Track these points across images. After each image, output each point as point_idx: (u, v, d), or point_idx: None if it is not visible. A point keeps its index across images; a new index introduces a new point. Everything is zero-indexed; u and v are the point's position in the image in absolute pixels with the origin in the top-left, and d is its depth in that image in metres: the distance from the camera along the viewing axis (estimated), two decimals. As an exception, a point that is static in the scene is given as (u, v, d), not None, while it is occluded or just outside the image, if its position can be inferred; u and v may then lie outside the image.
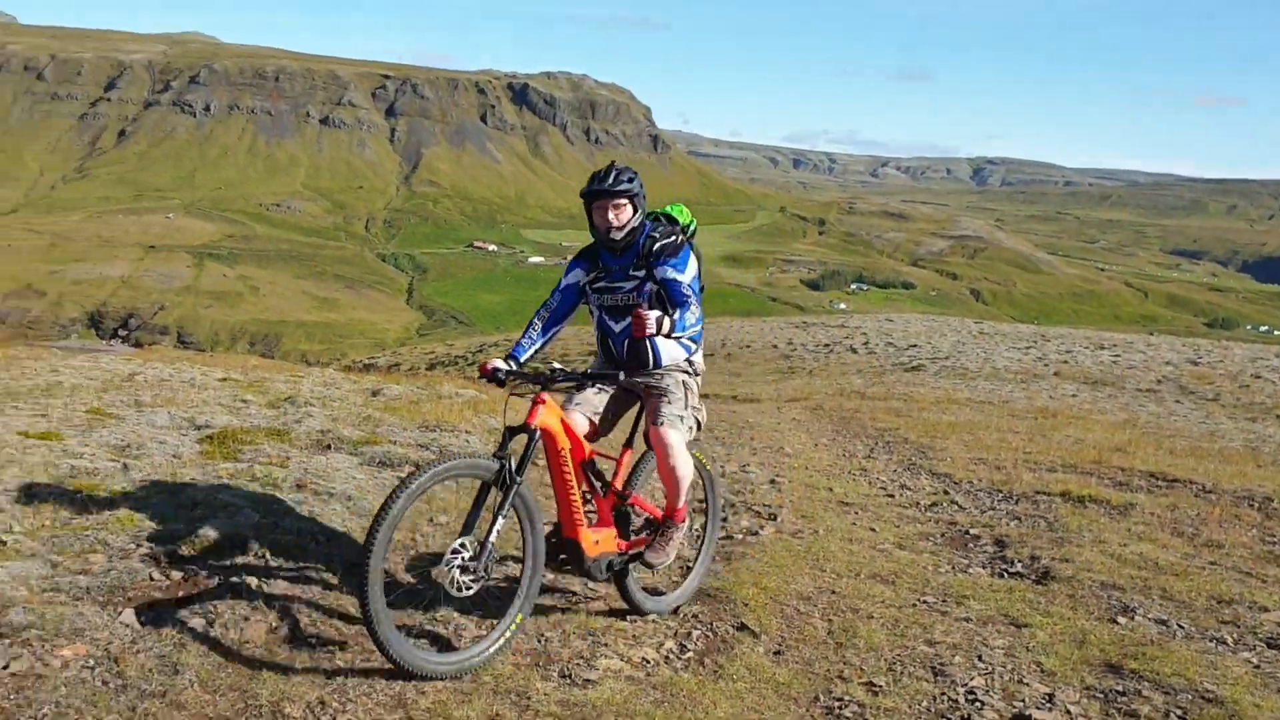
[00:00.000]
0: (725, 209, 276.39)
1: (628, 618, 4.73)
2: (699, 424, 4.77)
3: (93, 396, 7.97)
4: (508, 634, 4.16)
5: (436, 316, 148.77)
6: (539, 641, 4.37)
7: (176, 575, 4.34)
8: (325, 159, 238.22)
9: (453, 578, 3.94)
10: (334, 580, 4.62)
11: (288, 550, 4.82)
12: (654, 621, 4.73)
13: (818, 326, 35.14)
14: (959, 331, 31.96)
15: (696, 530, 5.62)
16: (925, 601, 5.27)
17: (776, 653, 4.50)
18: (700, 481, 5.15)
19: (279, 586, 4.41)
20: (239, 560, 4.63)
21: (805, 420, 12.97)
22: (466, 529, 4.02)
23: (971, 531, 6.78)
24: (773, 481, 8.20)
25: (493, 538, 4.00)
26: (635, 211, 4.56)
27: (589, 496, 4.65)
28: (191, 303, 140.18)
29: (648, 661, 4.27)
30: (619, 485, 4.76)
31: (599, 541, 4.55)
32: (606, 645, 4.38)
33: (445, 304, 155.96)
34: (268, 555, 4.70)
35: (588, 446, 4.59)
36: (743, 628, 4.73)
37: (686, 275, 4.55)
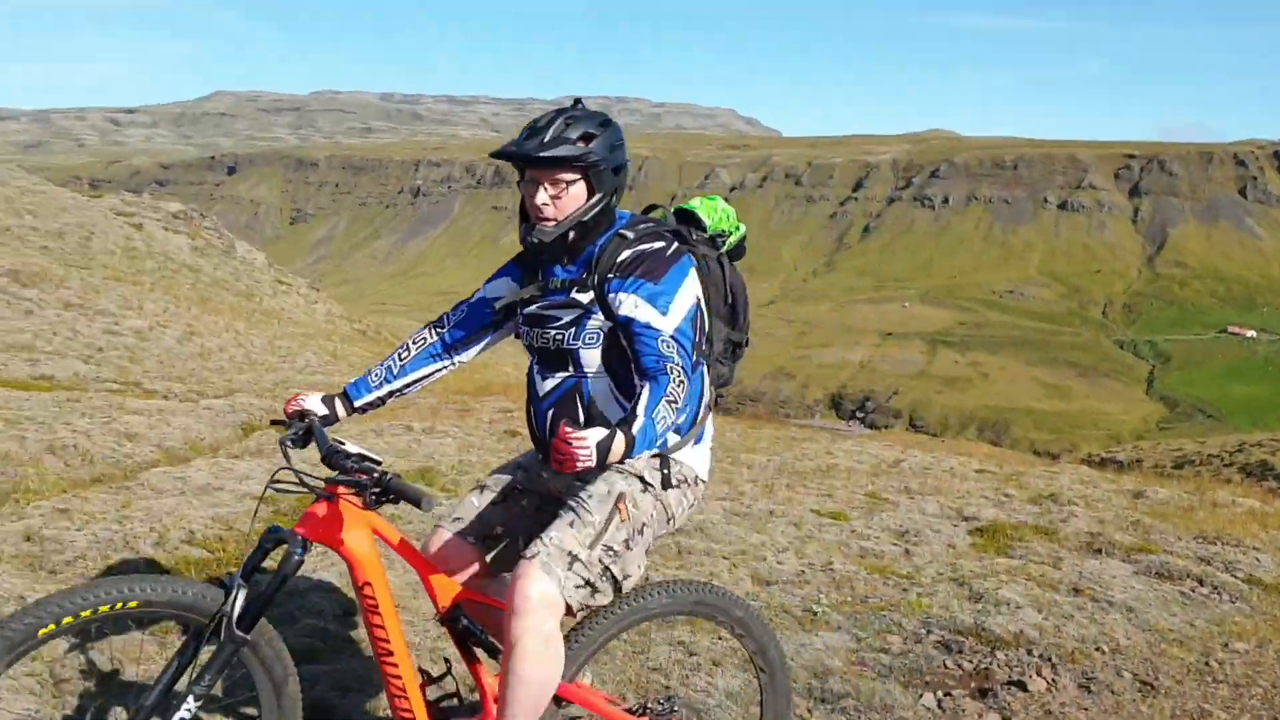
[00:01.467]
0: None
1: None
2: (616, 584, 2.72)
3: (866, 480, 8.63)
4: None
5: (1180, 409, 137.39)
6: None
7: (968, 666, 4.50)
8: (1061, 243, 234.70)
9: None
10: (1113, 683, 4.43)
11: (1071, 656, 4.76)
12: None
13: None
14: None
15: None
16: None
17: None
18: (746, 631, 3.05)
19: (1068, 694, 4.36)
20: (1023, 658, 4.67)
21: None
22: (150, 710, 2.44)
23: None
24: None
25: None
26: (592, 195, 2.72)
27: (445, 671, 2.89)
28: (923, 387, 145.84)
29: None
30: None
31: None
32: None
33: (1191, 395, 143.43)
34: (1053, 658, 4.68)
35: (448, 587, 2.79)
36: None
37: (670, 317, 2.65)
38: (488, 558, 2.97)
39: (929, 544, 6.36)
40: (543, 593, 2.56)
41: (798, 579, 5.40)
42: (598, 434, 2.43)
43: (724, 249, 3.03)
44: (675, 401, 2.56)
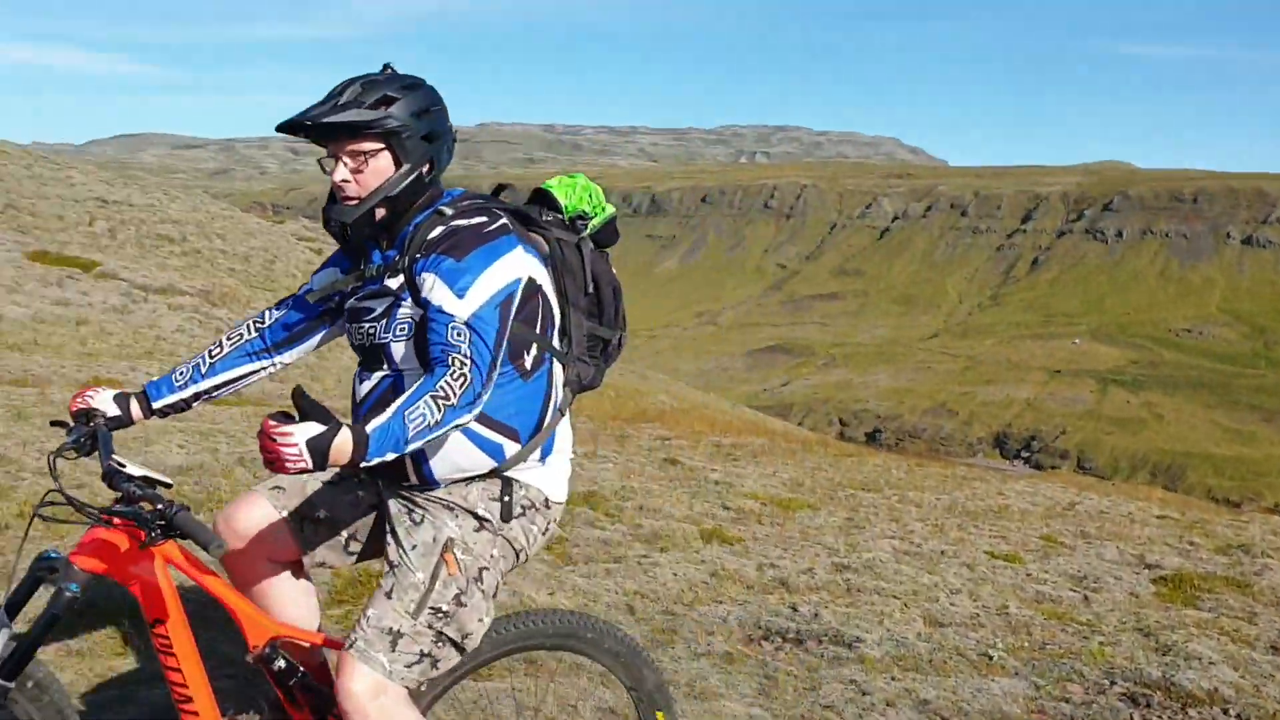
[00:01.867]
0: None
1: None
2: (458, 645, 2.38)
3: (1040, 523, 8.33)
4: None
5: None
6: None
7: (1157, 723, 4.28)
8: (1245, 280, 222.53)
9: None
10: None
11: (1272, 718, 4.47)
12: None
13: None
14: None
15: None
16: None
17: None
18: (615, 661, 2.73)
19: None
20: (1219, 717, 4.40)
21: None
22: None
23: None
24: None
25: None
26: (399, 167, 2.34)
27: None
28: (1092, 428, 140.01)
29: None
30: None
31: None
32: None
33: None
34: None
35: (262, 625, 2.47)
36: None
37: (467, 300, 2.25)
38: (306, 550, 2.61)
39: (1109, 591, 6.08)
40: (369, 685, 2.27)
41: (972, 621, 5.24)
42: (308, 430, 2.00)
43: (585, 233, 2.62)
44: (446, 398, 2.13)
